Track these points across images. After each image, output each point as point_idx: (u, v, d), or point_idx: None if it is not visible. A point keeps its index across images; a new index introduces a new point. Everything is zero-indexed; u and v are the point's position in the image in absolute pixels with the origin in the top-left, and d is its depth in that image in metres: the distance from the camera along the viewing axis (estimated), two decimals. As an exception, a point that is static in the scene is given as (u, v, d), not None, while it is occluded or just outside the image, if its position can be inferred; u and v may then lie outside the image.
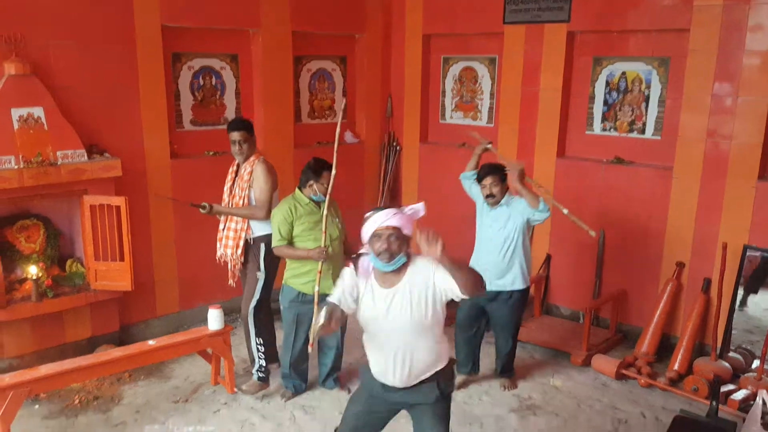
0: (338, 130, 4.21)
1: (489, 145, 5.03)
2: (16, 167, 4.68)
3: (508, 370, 5.14)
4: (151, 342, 4.75)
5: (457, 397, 4.95)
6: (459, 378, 4.99)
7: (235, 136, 4.71)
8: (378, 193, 7.26)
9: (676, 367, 5.21)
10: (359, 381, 3.52)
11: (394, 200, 7.32)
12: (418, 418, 3.35)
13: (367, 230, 3.13)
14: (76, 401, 4.75)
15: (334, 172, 4.31)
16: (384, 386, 3.28)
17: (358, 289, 3.18)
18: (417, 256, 3.16)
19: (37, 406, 4.66)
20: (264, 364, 4.96)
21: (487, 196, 4.77)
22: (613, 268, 5.94)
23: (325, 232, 4.39)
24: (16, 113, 4.71)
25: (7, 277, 4.95)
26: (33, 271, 4.98)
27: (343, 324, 3.81)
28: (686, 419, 3.98)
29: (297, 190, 4.60)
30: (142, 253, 5.49)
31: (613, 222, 5.85)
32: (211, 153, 5.96)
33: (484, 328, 5.08)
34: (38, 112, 4.79)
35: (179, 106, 5.85)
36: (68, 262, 5.29)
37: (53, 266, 5.22)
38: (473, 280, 2.97)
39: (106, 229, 5.09)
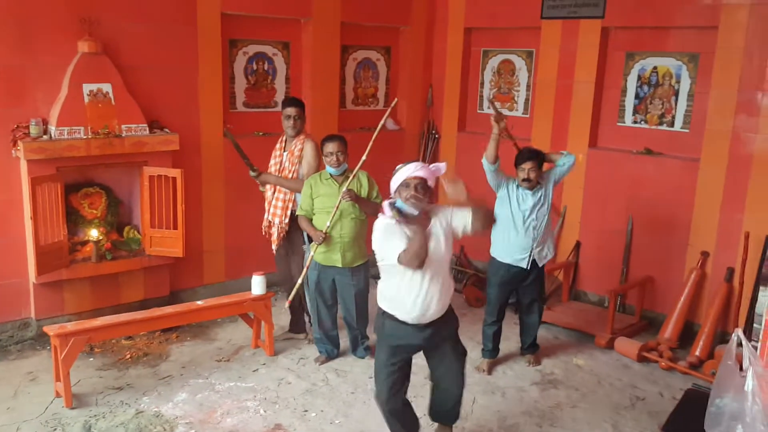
0: (380, 124, 4.57)
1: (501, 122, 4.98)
2: (85, 137, 5.09)
3: (533, 345, 5.37)
4: (198, 302, 5.16)
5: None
6: (485, 362, 5.20)
7: (291, 111, 5.13)
8: (416, 180, 7.52)
9: (697, 352, 5.33)
10: (379, 341, 3.78)
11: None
12: (440, 357, 3.77)
13: (396, 180, 3.50)
14: (128, 356, 5.14)
15: (364, 158, 4.66)
16: (411, 329, 3.59)
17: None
18: (437, 205, 3.63)
19: (92, 359, 5.07)
20: None
21: (524, 180, 4.86)
22: (640, 256, 6.10)
23: (333, 215, 4.73)
24: (87, 88, 5.13)
25: (71, 239, 5.35)
26: (94, 234, 5.41)
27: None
28: (698, 392, 4.11)
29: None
30: (193, 224, 5.87)
31: (641, 211, 6.03)
32: (260, 134, 6.33)
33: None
34: (107, 88, 5.20)
35: (233, 88, 6.25)
36: (126, 229, 5.69)
37: (112, 232, 5.61)
38: (487, 216, 3.53)
39: (162, 198, 5.48)
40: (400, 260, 3.38)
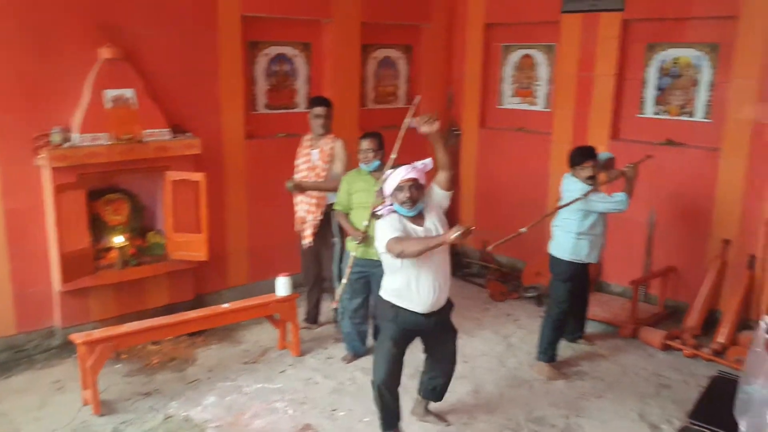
0: (406, 121, 4.38)
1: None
2: (107, 143, 4.98)
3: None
4: (224, 305, 5.04)
5: (508, 363, 5.15)
6: (547, 367, 4.95)
7: (319, 110, 5.16)
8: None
9: (720, 339, 5.26)
10: (383, 329, 3.88)
11: (453, 183, 7.42)
12: (442, 338, 3.99)
13: (389, 185, 3.64)
14: (154, 361, 5.04)
15: (393, 156, 4.49)
16: (417, 317, 3.73)
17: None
18: (426, 197, 3.74)
19: (118, 365, 4.96)
20: None
21: (589, 177, 4.71)
22: (663, 246, 6.00)
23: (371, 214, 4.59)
24: (109, 94, 5.01)
25: (95, 245, 5.22)
26: (119, 240, 5.28)
27: None
28: (725, 378, 4.04)
29: None
30: (216, 227, 5.76)
31: (663, 201, 5.93)
32: (282, 135, 6.22)
33: None
34: (129, 93, 5.08)
35: (254, 90, 6.13)
36: (149, 234, 5.57)
37: (136, 237, 5.49)
38: (450, 177, 3.72)
39: (185, 202, 5.36)
40: (387, 248, 3.50)
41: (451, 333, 4.04)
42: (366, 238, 4.65)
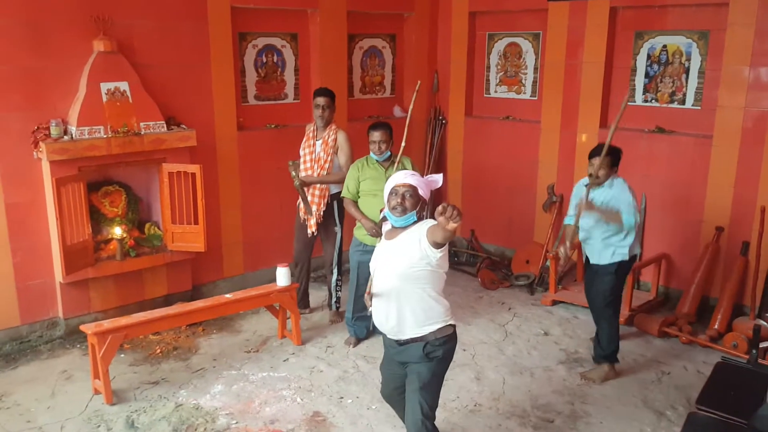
0: (411, 107, 4.80)
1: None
2: (105, 136, 5.31)
3: (602, 356, 5.12)
4: (228, 295, 5.40)
5: (507, 350, 5.51)
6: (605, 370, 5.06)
7: (321, 101, 5.52)
8: (424, 165, 7.81)
9: (716, 326, 5.63)
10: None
11: (439, 172, 7.84)
12: (408, 375, 3.57)
13: (387, 186, 3.48)
14: (158, 351, 5.39)
15: (403, 144, 4.79)
16: (388, 340, 3.62)
17: None
18: (427, 220, 3.42)
19: (122, 355, 5.30)
20: (340, 296, 5.99)
21: (590, 175, 4.73)
22: (655, 234, 6.37)
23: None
24: (105, 87, 5.33)
25: (94, 237, 5.55)
26: (118, 232, 5.62)
27: None
28: (728, 365, 4.26)
29: None
30: (211, 218, 6.08)
31: (654, 189, 6.29)
32: (272, 126, 6.59)
33: None
34: (124, 86, 5.41)
35: (244, 82, 6.46)
36: (147, 226, 5.92)
37: (133, 229, 5.82)
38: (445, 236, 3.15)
39: (182, 194, 5.71)
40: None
41: (417, 381, 3.49)
42: (378, 233, 4.93)
